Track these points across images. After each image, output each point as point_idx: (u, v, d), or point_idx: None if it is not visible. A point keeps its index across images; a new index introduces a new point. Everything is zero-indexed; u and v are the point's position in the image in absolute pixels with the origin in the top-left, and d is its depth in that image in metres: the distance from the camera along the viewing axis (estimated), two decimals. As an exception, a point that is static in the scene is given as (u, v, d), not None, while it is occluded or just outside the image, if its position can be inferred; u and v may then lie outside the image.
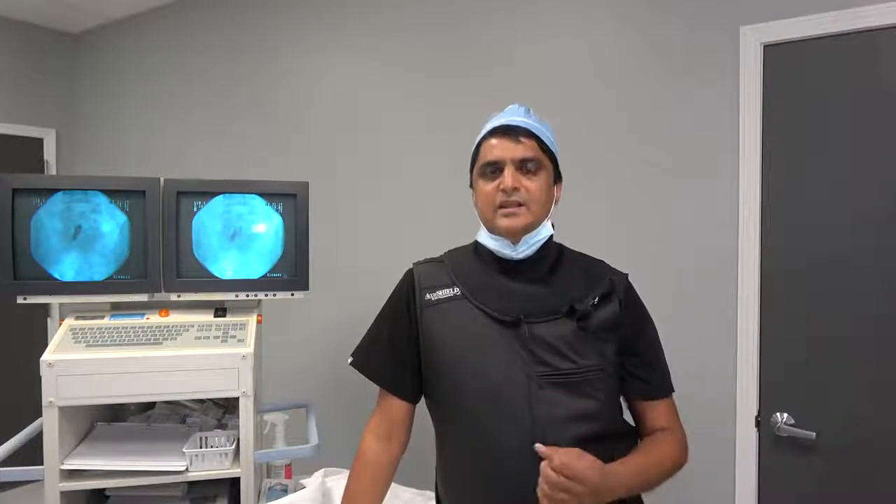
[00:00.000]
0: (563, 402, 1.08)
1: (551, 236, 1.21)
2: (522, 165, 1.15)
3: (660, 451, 1.16)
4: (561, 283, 1.18)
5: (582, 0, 2.11)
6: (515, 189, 1.13)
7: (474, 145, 1.23)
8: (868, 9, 1.62)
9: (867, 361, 1.65)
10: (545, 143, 1.17)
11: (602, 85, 2.07)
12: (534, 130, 1.16)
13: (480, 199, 1.19)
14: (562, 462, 0.99)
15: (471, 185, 1.25)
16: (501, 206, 1.14)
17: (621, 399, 1.22)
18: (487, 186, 1.17)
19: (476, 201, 1.22)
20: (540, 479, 1.00)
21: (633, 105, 2.01)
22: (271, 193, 1.88)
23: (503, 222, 1.15)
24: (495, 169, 1.16)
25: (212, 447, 1.76)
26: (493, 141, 1.17)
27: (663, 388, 1.22)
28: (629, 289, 1.22)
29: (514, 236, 1.15)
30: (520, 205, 1.14)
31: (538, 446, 1.02)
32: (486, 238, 1.20)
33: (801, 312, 1.74)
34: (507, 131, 1.16)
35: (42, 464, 1.64)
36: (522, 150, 1.14)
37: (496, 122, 1.20)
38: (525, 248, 1.17)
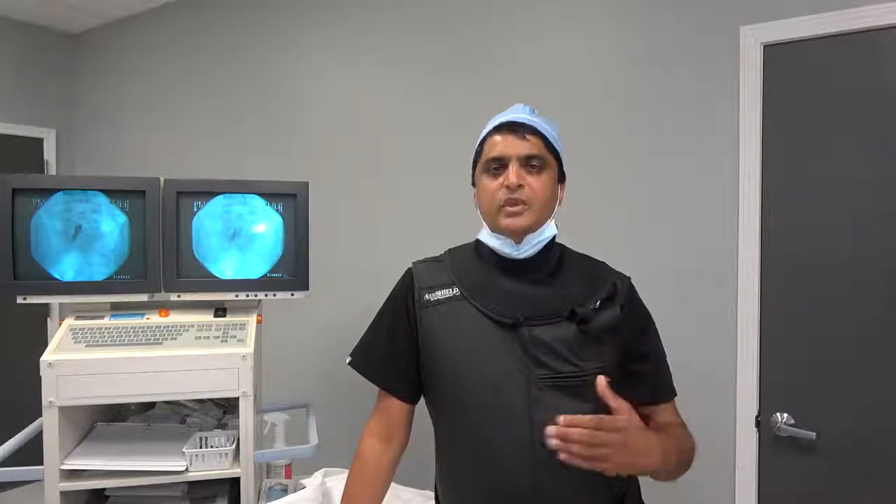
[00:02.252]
0: (563, 405, 1.07)
1: (554, 237, 1.20)
2: (527, 162, 1.13)
3: (679, 436, 1.15)
4: (562, 285, 1.17)
5: (582, 0, 2.11)
6: (520, 186, 1.11)
7: (478, 142, 1.22)
8: (868, 9, 1.62)
9: (867, 361, 1.65)
10: (550, 142, 1.16)
11: (602, 85, 2.07)
12: (539, 129, 1.15)
13: (483, 195, 1.17)
14: (606, 421, 0.93)
15: (473, 183, 1.24)
16: (505, 205, 1.13)
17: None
18: (491, 183, 1.15)
19: (478, 199, 1.21)
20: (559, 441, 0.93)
21: (634, 105, 2.01)
22: (271, 193, 1.88)
23: (506, 221, 1.13)
24: (499, 165, 1.15)
25: (212, 447, 1.76)
26: (498, 137, 1.16)
27: (666, 391, 1.22)
28: (632, 292, 1.21)
29: (517, 235, 1.14)
30: (523, 203, 1.12)
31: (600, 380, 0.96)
32: (487, 237, 1.19)
33: (801, 312, 1.74)
34: (513, 128, 1.15)
35: (42, 464, 1.64)
36: (528, 146, 1.13)
37: (501, 118, 1.19)
38: (528, 248, 1.16)
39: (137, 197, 1.81)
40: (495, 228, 1.17)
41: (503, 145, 1.14)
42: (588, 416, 0.93)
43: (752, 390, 1.81)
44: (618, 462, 0.95)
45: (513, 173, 1.12)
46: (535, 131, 1.15)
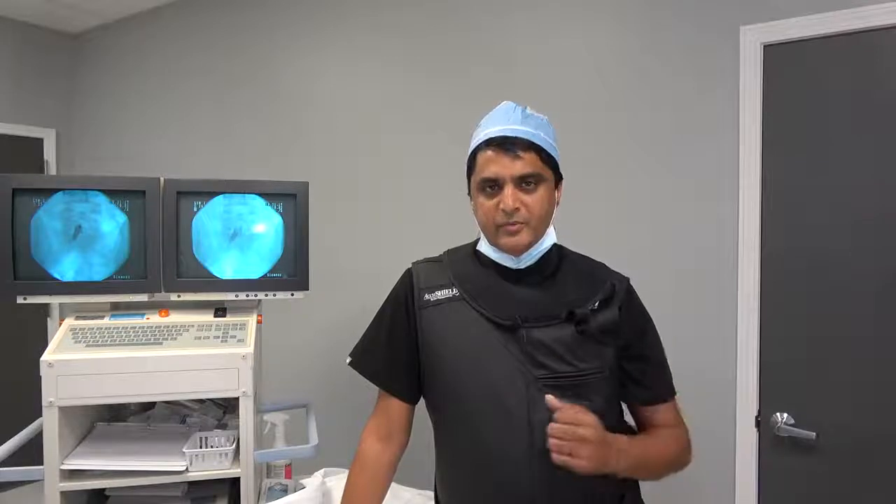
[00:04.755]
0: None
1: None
2: (522, 181, 1.11)
3: (664, 441, 1.16)
4: (561, 287, 1.17)
5: (582, 1, 2.11)
6: (516, 210, 1.10)
7: (469, 151, 1.19)
8: (868, 9, 1.62)
9: (867, 361, 1.65)
10: (545, 152, 1.13)
11: (602, 85, 2.07)
12: (532, 139, 1.12)
13: (481, 214, 1.16)
14: (566, 413, 1.02)
15: (468, 193, 1.22)
16: (503, 226, 1.12)
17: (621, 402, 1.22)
18: (487, 203, 1.13)
19: (476, 214, 1.19)
20: (549, 430, 1.02)
21: (633, 105, 2.01)
22: (271, 193, 1.88)
23: (505, 241, 1.13)
24: (494, 185, 1.12)
25: (212, 447, 1.76)
26: (490, 153, 1.12)
27: (666, 391, 1.21)
28: (630, 293, 1.21)
29: (517, 252, 1.14)
30: (521, 223, 1.11)
31: (549, 398, 1.04)
32: (487, 249, 1.19)
33: (801, 312, 1.74)
34: (505, 145, 1.11)
35: (42, 464, 1.63)
36: (521, 166, 1.10)
37: (492, 130, 1.14)
38: (528, 260, 1.16)
39: (137, 197, 1.80)
40: (494, 244, 1.16)
41: (496, 165, 1.11)
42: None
43: (752, 390, 1.81)
44: (584, 459, 1.01)
45: (508, 197, 1.10)
46: (527, 146, 1.11)
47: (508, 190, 1.10)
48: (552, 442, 1.02)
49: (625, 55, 2.03)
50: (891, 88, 1.61)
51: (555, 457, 1.01)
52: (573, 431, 1.00)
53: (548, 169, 1.14)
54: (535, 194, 1.12)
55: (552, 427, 1.02)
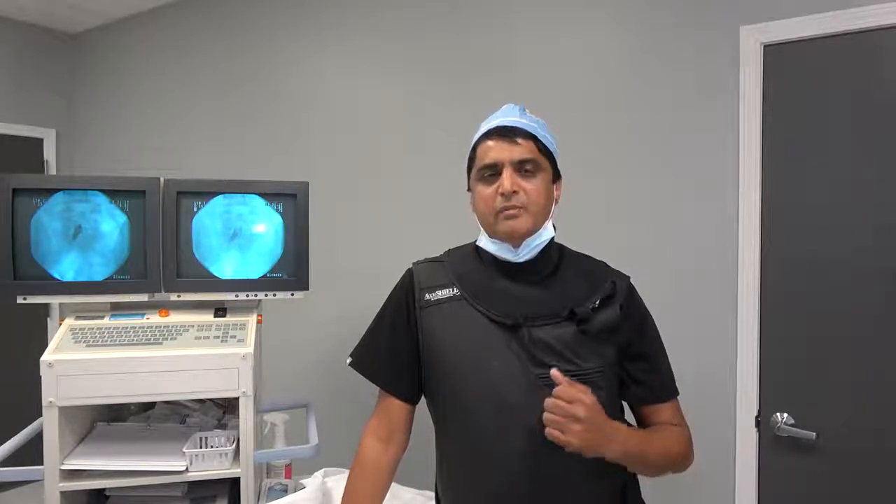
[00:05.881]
0: None
1: (553, 238, 1.20)
2: (520, 167, 1.13)
3: (665, 436, 1.16)
4: (562, 285, 1.17)
5: (582, 1, 2.12)
6: (514, 192, 1.11)
7: (470, 147, 1.21)
8: (868, 9, 1.62)
9: (867, 361, 1.65)
10: (542, 144, 1.16)
11: (602, 85, 2.07)
12: (530, 130, 1.15)
13: (480, 203, 1.17)
14: (563, 389, 1.01)
15: (468, 189, 1.23)
16: (502, 211, 1.13)
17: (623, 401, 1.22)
18: (486, 190, 1.15)
19: (475, 205, 1.20)
20: (545, 404, 1.02)
21: (633, 105, 2.01)
22: (271, 193, 1.88)
23: (504, 227, 1.13)
24: (493, 172, 1.14)
25: (212, 447, 1.76)
26: (490, 143, 1.15)
27: (667, 391, 1.21)
28: (631, 291, 1.21)
29: (516, 240, 1.14)
30: (520, 208, 1.12)
31: (553, 371, 1.03)
32: (486, 242, 1.19)
33: (801, 312, 1.74)
34: (504, 132, 1.14)
35: (42, 464, 1.64)
36: (520, 151, 1.13)
37: (492, 123, 1.18)
38: (527, 252, 1.16)
39: (137, 197, 1.81)
40: (493, 234, 1.17)
41: (495, 151, 1.14)
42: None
43: (752, 390, 1.81)
44: (573, 436, 0.99)
45: (507, 179, 1.11)
46: (526, 134, 1.14)
47: (507, 173, 1.12)
48: (545, 416, 1.01)
49: (625, 55, 2.03)
50: (891, 88, 1.62)
51: (546, 431, 1.01)
52: (566, 408, 0.99)
53: (545, 160, 1.16)
54: (534, 181, 1.13)
55: (547, 401, 1.01)
